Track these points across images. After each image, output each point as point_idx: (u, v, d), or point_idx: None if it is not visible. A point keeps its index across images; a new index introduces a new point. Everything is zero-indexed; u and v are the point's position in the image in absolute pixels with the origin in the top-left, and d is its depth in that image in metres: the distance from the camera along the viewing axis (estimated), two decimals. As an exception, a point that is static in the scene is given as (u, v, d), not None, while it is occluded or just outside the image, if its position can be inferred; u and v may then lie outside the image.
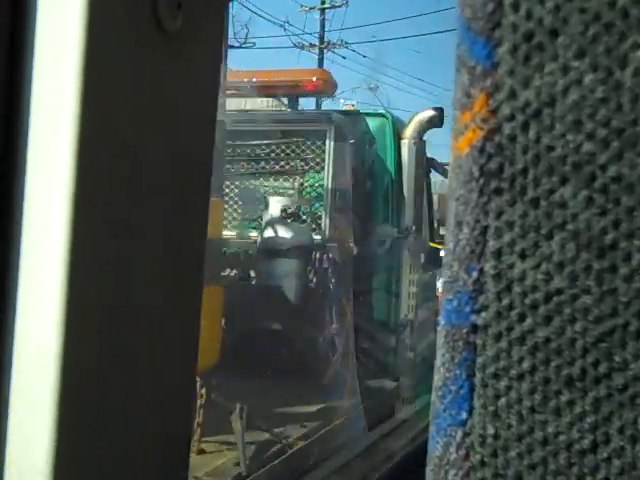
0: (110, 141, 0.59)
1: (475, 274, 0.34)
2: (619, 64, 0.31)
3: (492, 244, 0.33)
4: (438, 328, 0.35)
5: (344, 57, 27.40)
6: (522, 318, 0.33)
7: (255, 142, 5.59)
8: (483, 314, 0.34)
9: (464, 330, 0.34)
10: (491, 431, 0.34)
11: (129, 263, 0.61)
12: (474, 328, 0.34)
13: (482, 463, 0.34)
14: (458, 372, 0.34)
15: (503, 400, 0.33)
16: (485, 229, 0.33)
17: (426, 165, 5.98)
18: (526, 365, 0.33)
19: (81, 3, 0.55)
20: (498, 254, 0.33)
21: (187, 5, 0.62)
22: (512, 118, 0.33)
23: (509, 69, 0.33)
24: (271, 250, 5.19)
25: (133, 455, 0.64)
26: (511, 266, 0.33)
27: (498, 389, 0.33)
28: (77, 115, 0.55)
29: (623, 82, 0.31)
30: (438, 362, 0.35)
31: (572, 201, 0.32)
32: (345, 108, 7.75)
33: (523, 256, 0.33)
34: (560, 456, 0.32)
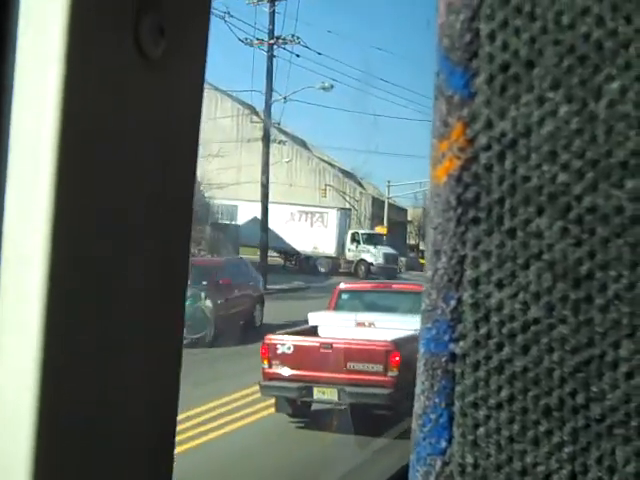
0: (91, 166, 0.58)
1: (453, 303, 0.33)
2: (593, 96, 0.31)
3: (469, 273, 0.33)
4: (418, 356, 0.35)
5: (298, 55, 24.71)
6: (500, 347, 0.33)
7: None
8: (461, 343, 0.33)
9: (443, 359, 0.34)
10: (470, 460, 0.33)
11: (113, 265, 0.61)
12: (453, 357, 0.34)
13: None
14: (437, 400, 0.34)
15: (482, 429, 0.33)
16: (463, 258, 0.33)
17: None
18: (504, 394, 0.33)
19: (62, 29, 0.55)
20: (476, 283, 0.33)
21: (170, 31, 0.62)
22: (488, 148, 0.33)
23: (486, 99, 0.33)
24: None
25: (118, 452, 0.63)
26: (488, 295, 0.33)
27: (477, 418, 0.33)
28: (58, 139, 0.54)
29: (597, 114, 0.31)
30: (418, 390, 0.35)
31: (548, 231, 0.32)
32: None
33: (500, 285, 0.33)
34: None
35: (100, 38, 0.58)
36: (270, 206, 22.61)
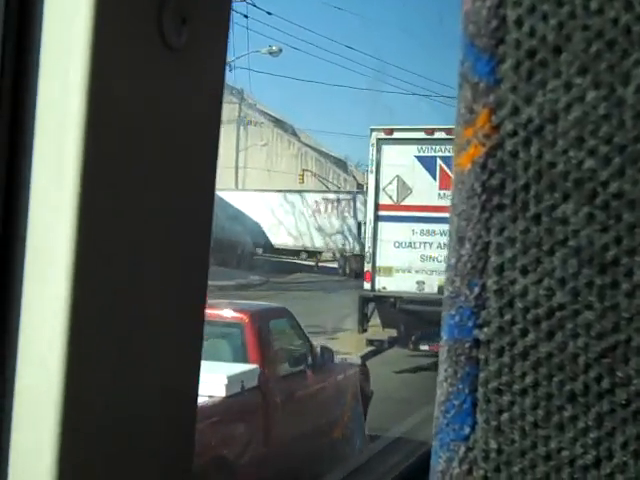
0: (115, 154, 0.60)
1: (477, 289, 0.33)
2: (621, 81, 0.31)
3: (494, 260, 0.33)
4: (440, 343, 0.34)
5: (246, 16, 22.50)
6: (524, 333, 0.32)
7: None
8: (485, 329, 0.33)
9: (467, 345, 0.34)
10: (494, 446, 0.33)
11: (136, 272, 0.63)
12: (477, 343, 0.33)
13: (485, 478, 0.33)
14: (461, 387, 0.34)
15: (506, 415, 0.33)
16: (487, 245, 0.33)
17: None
18: (529, 380, 0.32)
19: (87, 18, 0.56)
20: (500, 270, 0.33)
21: (191, 21, 0.64)
22: (514, 134, 0.32)
23: (512, 85, 0.32)
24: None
25: (138, 454, 0.64)
26: (513, 282, 0.33)
27: (501, 404, 0.33)
28: (82, 128, 0.56)
29: (625, 99, 0.31)
30: (441, 376, 0.35)
31: (574, 217, 0.32)
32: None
33: (525, 272, 0.32)
34: (563, 471, 0.32)
35: (124, 28, 0.59)
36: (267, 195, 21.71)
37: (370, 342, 11.37)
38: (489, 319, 0.33)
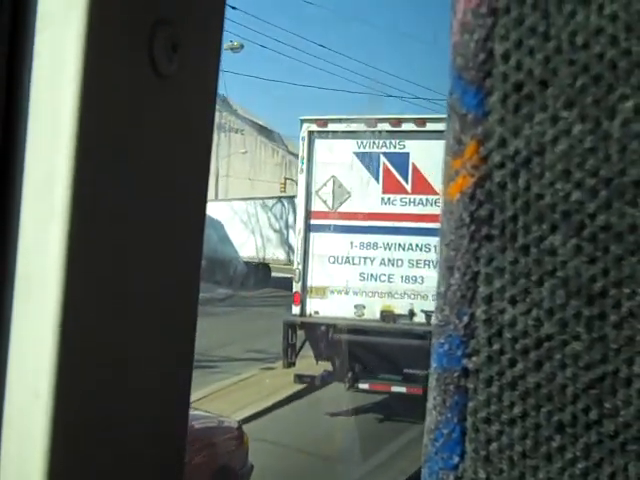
0: (105, 181, 0.69)
1: (466, 319, 0.41)
2: (607, 115, 0.39)
3: (483, 289, 0.41)
4: (430, 371, 0.42)
5: None
6: (513, 363, 0.40)
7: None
8: (474, 358, 0.41)
9: (455, 374, 0.41)
10: (483, 476, 0.41)
11: (127, 272, 0.75)
12: (465, 372, 0.41)
13: None
14: (449, 415, 0.41)
15: (495, 445, 0.40)
16: (476, 275, 0.41)
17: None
18: (517, 410, 0.40)
19: (78, 44, 0.65)
20: (489, 299, 0.41)
21: (182, 48, 0.73)
22: (502, 166, 0.40)
23: (499, 118, 0.40)
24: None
25: (130, 454, 0.76)
26: (502, 311, 0.40)
27: (490, 434, 0.41)
28: (73, 155, 0.64)
29: (611, 133, 0.39)
30: (430, 405, 0.42)
31: (562, 249, 0.39)
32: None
33: (514, 302, 0.40)
34: None
35: (115, 55, 0.68)
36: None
37: (299, 378, 11.39)
38: (478, 348, 0.41)
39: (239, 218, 26.85)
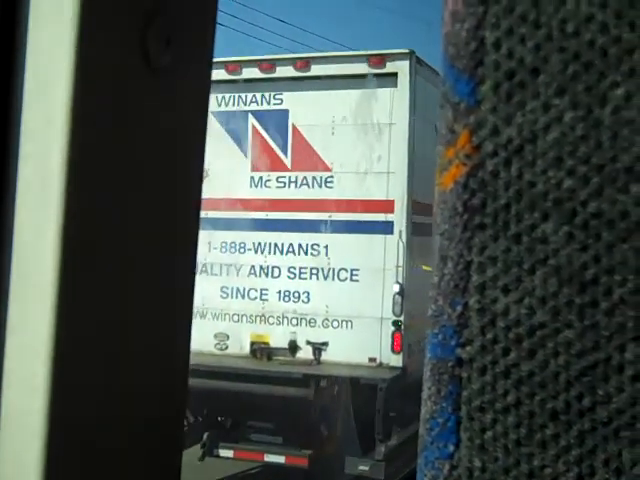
0: (99, 174, 0.92)
1: (459, 308, 0.59)
2: (598, 102, 0.56)
3: (476, 279, 0.58)
4: (425, 360, 0.60)
5: None
6: (506, 352, 0.58)
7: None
8: (468, 348, 0.58)
9: (449, 363, 0.59)
10: (478, 464, 0.58)
11: (124, 269, 0.99)
12: (459, 362, 0.59)
13: None
14: (444, 405, 0.59)
15: (489, 433, 0.58)
16: (469, 264, 0.58)
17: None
18: (511, 398, 0.58)
19: (70, 37, 0.86)
20: (482, 289, 0.58)
21: (176, 41, 0.98)
22: (495, 154, 0.58)
23: (492, 106, 0.58)
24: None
25: (128, 452, 1.02)
26: (495, 300, 0.58)
27: (484, 422, 0.58)
28: (67, 147, 0.85)
29: (602, 120, 0.55)
30: (425, 395, 0.60)
31: (553, 237, 0.57)
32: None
33: (506, 291, 0.58)
34: None
35: (108, 48, 0.91)
36: None
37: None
38: (471, 338, 0.58)
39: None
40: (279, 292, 11.52)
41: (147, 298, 1.06)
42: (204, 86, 1.11)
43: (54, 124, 0.91)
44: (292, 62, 11.62)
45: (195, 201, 1.11)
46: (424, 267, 13.85)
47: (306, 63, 11.40)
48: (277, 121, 11.48)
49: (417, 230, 12.07)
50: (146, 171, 1.03)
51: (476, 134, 0.58)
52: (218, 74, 11.10)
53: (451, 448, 0.59)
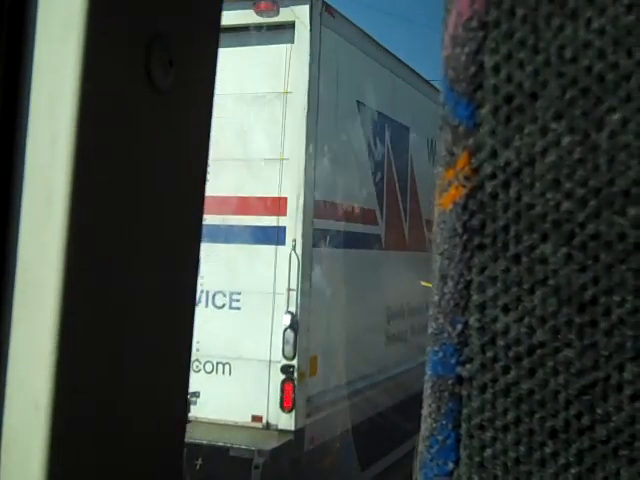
0: (103, 194, 1.14)
1: (460, 327, 0.74)
2: (595, 127, 0.69)
3: (476, 298, 0.74)
4: (425, 378, 0.74)
5: None
6: (506, 370, 0.73)
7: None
8: (468, 366, 0.73)
9: (449, 381, 0.74)
10: None
11: (125, 274, 1.24)
12: (459, 379, 0.73)
13: None
14: (444, 422, 0.74)
15: (489, 451, 0.73)
16: (469, 283, 0.74)
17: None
18: (511, 416, 0.73)
19: (76, 59, 1.08)
20: (482, 308, 0.73)
21: (178, 62, 1.21)
22: (494, 176, 0.73)
23: (490, 129, 0.73)
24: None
25: (128, 455, 1.28)
26: (494, 319, 0.73)
27: (484, 440, 0.73)
28: (71, 168, 1.07)
29: (599, 144, 0.69)
30: (425, 412, 0.75)
31: (552, 257, 0.71)
32: None
33: (506, 310, 0.73)
34: None
35: (112, 69, 1.14)
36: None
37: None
38: (472, 356, 0.73)
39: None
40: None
41: (150, 302, 1.31)
42: (207, 106, 1.37)
43: (59, 142, 1.12)
44: None
45: (197, 218, 1.35)
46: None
47: None
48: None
49: (322, 239, 11.83)
50: (149, 189, 1.26)
51: (475, 156, 0.74)
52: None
53: (450, 465, 0.74)
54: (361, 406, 14.36)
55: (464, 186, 0.75)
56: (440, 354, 0.76)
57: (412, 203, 16.84)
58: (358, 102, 13.84)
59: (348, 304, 13.07)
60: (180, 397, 1.43)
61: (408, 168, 16.68)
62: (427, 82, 18.16)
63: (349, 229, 12.69)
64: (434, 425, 0.76)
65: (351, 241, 13.50)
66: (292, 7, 11.64)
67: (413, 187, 16.90)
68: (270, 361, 11.59)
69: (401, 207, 16.22)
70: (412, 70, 17.30)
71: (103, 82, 1.18)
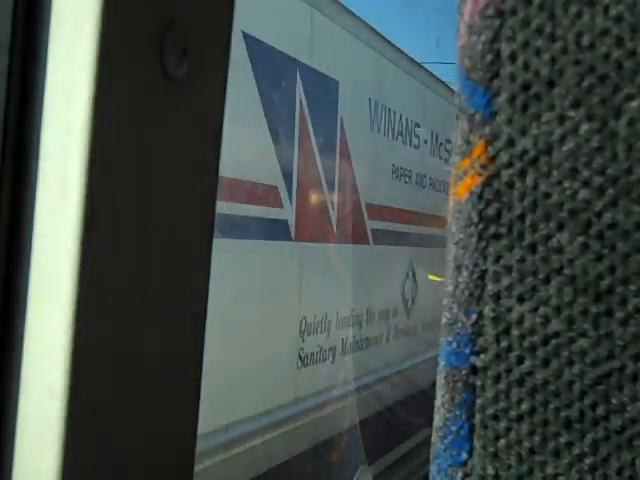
0: (116, 186, 1.15)
1: (474, 316, 0.74)
2: (614, 114, 0.68)
3: (491, 287, 0.74)
4: (438, 368, 0.75)
5: None
6: (520, 360, 0.73)
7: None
8: (482, 356, 0.74)
9: (463, 371, 0.74)
10: (491, 472, 0.73)
11: (138, 274, 1.26)
12: (473, 369, 0.74)
13: None
14: (458, 413, 0.74)
15: (503, 441, 0.74)
16: (484, 273, 0.74)
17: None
18: (525, 407, 0.73)
19: (89, 49, 1.08)
20: (497, 297, 0.73)
21: (192, 52, 1.22)
22: (510, 165, 0.73)
23: (507, 118, 0.73)
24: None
25: (139, 456, 1.29)
26: (509, 309, 0.73)
27: (498, 430, 0.74)
28: (85, 157, 1.08)
29: (618, 132, 0.68)
30: (438, 402, 0.75)
31: (569, 247, 0.71)
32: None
33: (521, 300, 0.73)
34: None
35: (125, 59, 1.14)
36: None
37: None
38: (486, 346, 0.73)
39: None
40: None
41: (162, 302, 1.31)
42: (220, 96, 1.37)
43: (73, 136, 1.13)
44: None
45: (210, 210, 1.36)
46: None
47: None
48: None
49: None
50: (162, 180, 1.27)
51: (492, 145, 0.73)
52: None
53: (464, 456, 0.74)
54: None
55: (480, 175, 0.75)
56: (454, 344, 0.76)
57: (343, 182, 12.40)
58: (244, 33, 9.08)
59: (231, 314, 8.62)
60: (193, 391, 1.45)
61: (337, 136, 12.06)
62: (371, 28, 12.67)
63: (227, 211, 8.91)
64: (447, 415, 0.76)
65: (230, 228, 9.18)
66: None
67: (345, 161, 12.41)
68: None
69: (325, 187, 11.85)
70: (344, 8, 11.71)
71: (116, 73, 1.19)
